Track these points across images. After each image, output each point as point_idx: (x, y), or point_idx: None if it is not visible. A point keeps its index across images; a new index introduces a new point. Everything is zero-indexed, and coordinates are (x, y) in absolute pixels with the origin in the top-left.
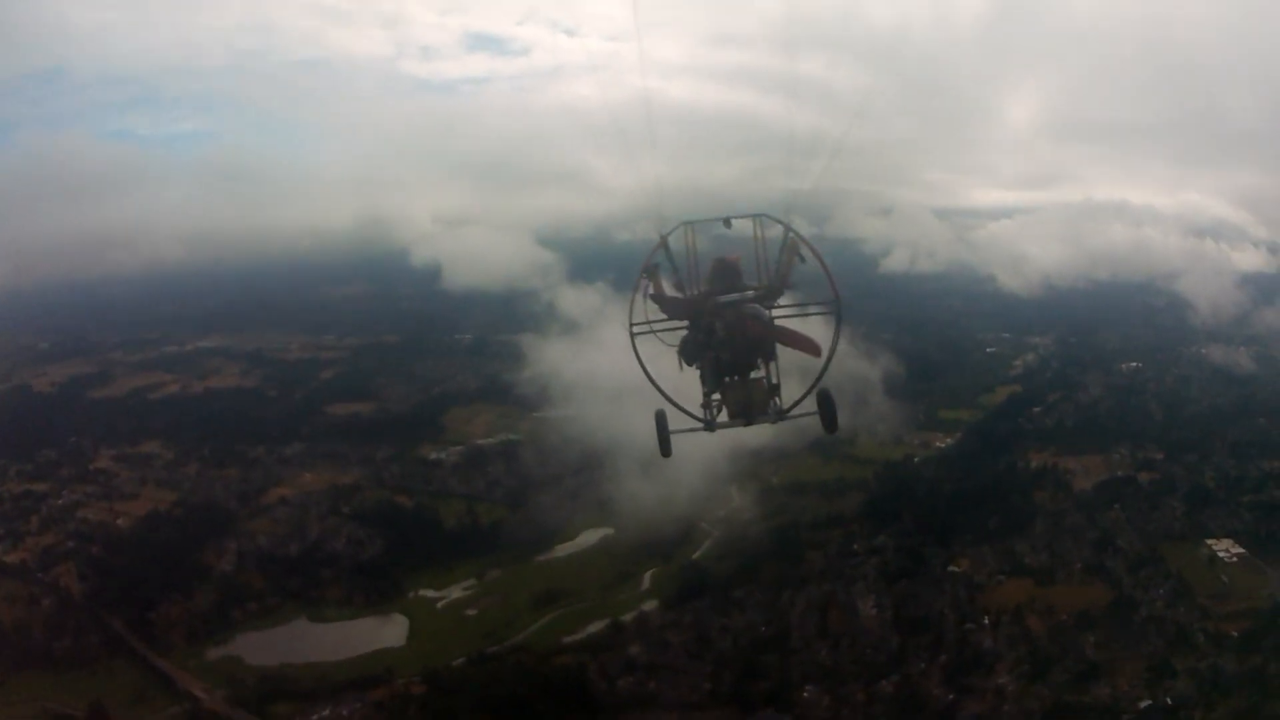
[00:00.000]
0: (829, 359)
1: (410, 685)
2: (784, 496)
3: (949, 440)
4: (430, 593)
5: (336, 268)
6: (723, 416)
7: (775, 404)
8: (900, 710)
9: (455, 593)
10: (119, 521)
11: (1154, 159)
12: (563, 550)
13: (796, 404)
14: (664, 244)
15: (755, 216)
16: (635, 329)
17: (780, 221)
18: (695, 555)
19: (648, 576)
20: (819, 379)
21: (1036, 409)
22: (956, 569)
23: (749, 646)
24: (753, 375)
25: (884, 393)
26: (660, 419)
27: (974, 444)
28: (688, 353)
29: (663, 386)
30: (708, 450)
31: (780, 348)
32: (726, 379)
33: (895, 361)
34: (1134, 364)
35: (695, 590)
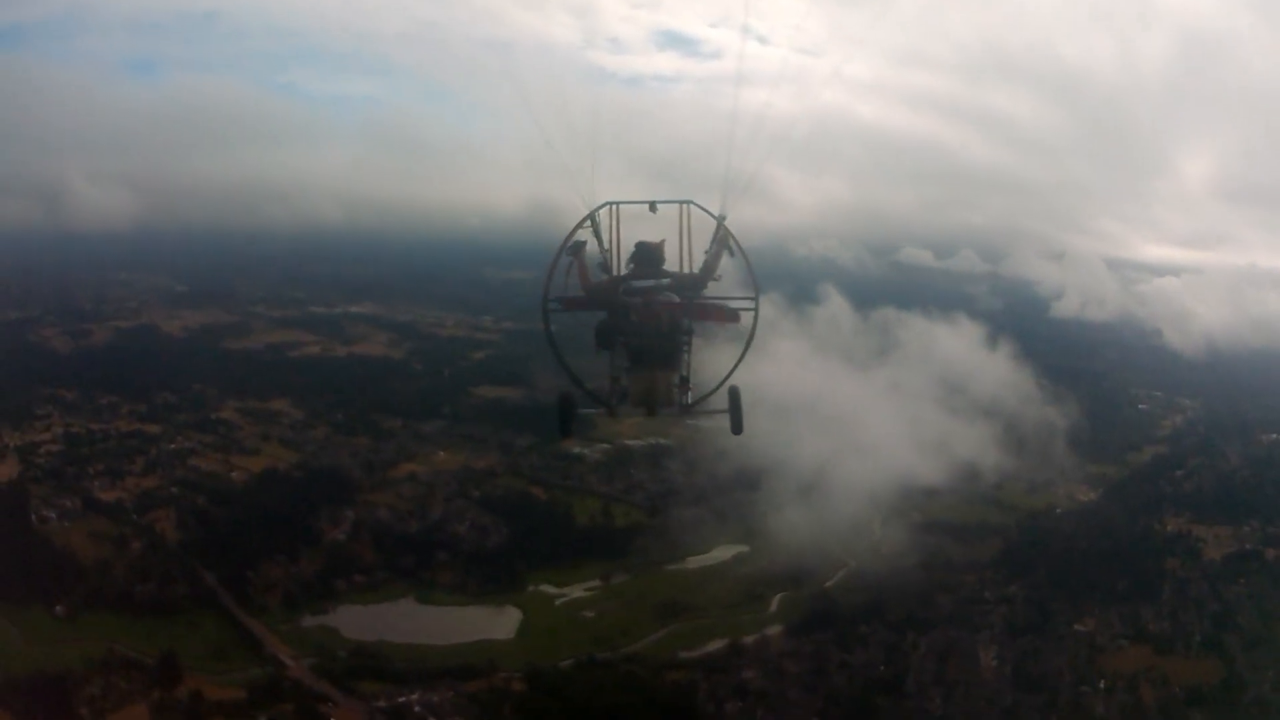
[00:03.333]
0: (742, 354)
1: (511, 681)
2: (925, 535)
3: (1093, 495)
4: (550, 589)
5: (503, 250)
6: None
7: (683, 398)
8: None
9: (576, 592)
10: (232, 474)
11: None
12: (695, 562)
13: (704, 399)
14: (591, 221)
15: (682, 203)
16: (551, 306)
17: (708, 212)
18: (827, 585)
19: (776, 600)
20: (729, 375)
21: (1178, 472)
22: (1081, 628)
23: (864, 685)
24: (666, 366)
25: (1038, 440)
26: (565, 400)
27: (1115, 501)
28: (601, 336)
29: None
30: (862, 480)
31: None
32: (638, 367)
33: (1052, 410)
34: (1274, 436)
35: (821, 620)
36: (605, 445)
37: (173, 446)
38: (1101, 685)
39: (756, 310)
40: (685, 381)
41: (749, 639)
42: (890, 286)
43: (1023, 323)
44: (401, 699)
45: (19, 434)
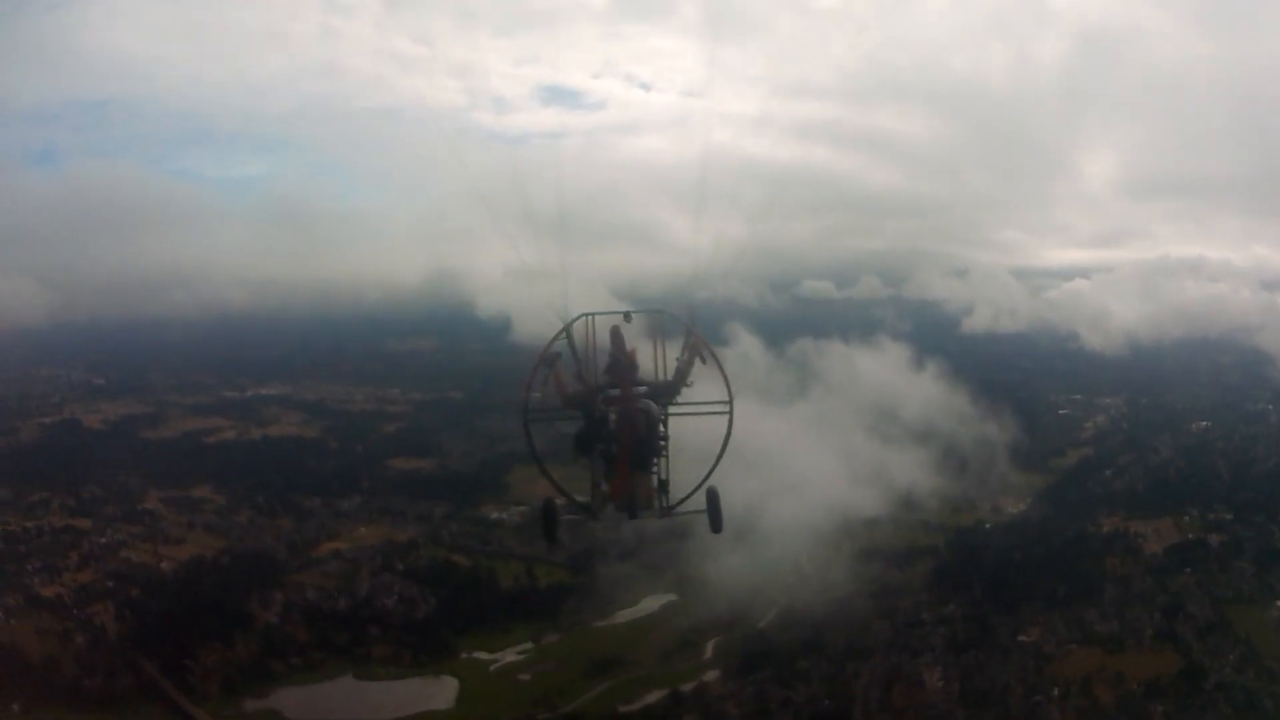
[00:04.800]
0: (719, 457)
1: None
2: (855, 564)
3: (1021, 505)
4: (483, 655)
5: (404, 320)
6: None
7: (663, 500)
8: None
9: (509, 656)
10: (162, 564)
11: (1226, 212)
12: (624, 616)
13: (683, 500)
14: (566, 333)
15: (655, 313)
16: (530, 416)
17: (680, 319)
18: (760, 624)
19: (710, 645)
20: (707, 477)
21: (1107, 472)
22: (1025, 638)
23: None
24: (644, 470)
25: (960, 457)
26: (548, 508)
27: (1045, 509)
28: (580, 443)
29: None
30: (787, 517)
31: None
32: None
33: (973, 425)
34: (1203, 423)
35: (758, 660)
36: (521, 507)
37: (103, 540)
38: (1055, 692)
39: (731, 414)
40: (664, 484)
41: (688, 687)
42: (795, 320)
43: (933, 342)
44: None
45: None
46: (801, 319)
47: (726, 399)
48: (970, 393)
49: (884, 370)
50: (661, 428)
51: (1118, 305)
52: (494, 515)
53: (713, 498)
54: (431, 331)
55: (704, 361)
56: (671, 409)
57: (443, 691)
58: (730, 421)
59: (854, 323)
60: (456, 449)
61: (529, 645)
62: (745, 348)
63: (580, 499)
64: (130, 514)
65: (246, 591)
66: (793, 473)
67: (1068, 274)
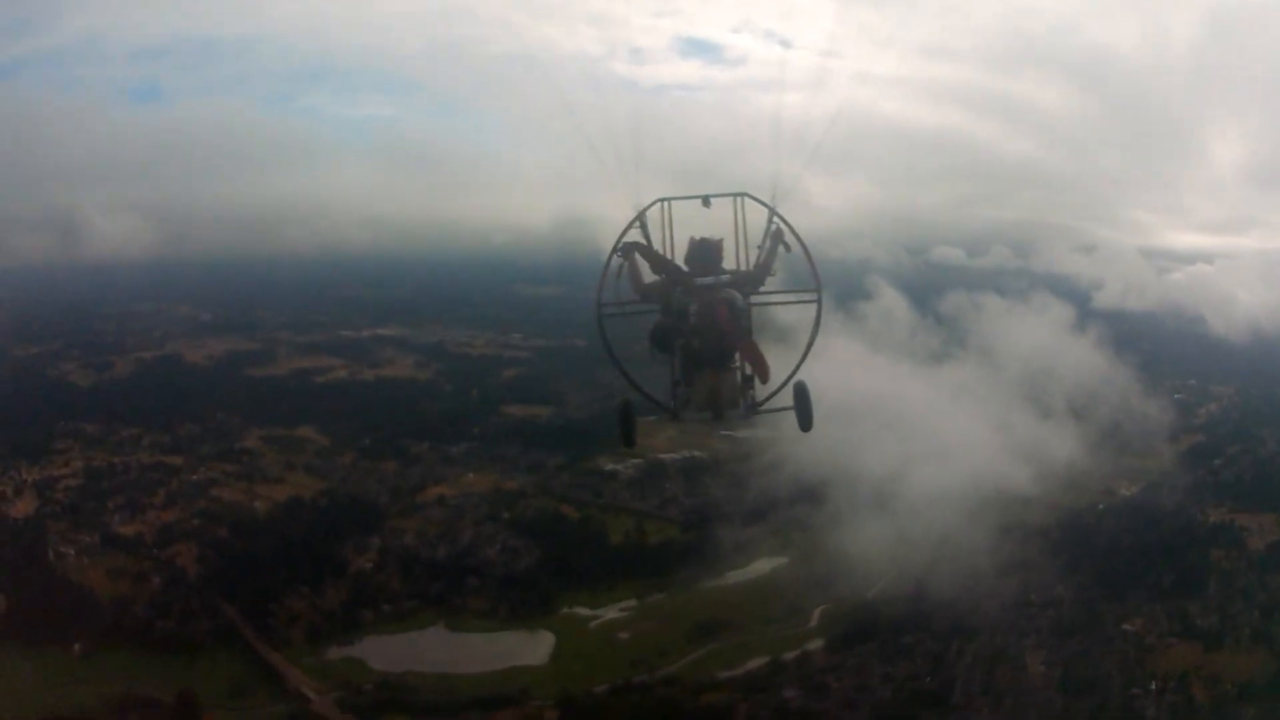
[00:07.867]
0: (807, 349)
1: (543, 709)
2: (967, 540)
3: (1133, 488)
4: (584, 611)
5: (533, 267)
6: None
7: (749, 398)
8: None
9: (611, 613)
10: (255, 504)
11: None
12: (734, 578)
13: (770, 397)
14: (641, 220)
15: (736, 196)
16: (604, 310)
17: (763, 204)
18: (869, 594)
19: (817, 613)
20: (795, 371)
21: (1216, 461)
22: (1129, 627)
23: (909, 698)
24: (729, 366)
25: (1077, 435)
26: (625, 408)
27: (1156, 494)
28: (658, 338)
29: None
30: (899, 488)
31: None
32: (699, 369)
33: (1092, 403)
34: None
35: (864, 632)
36: (637, 460)
37: (195, 478)
38: (1152, 686)
39: (820, 303)
40: (749, 381)
41: (790, 655)
42: (927, 286)
43: (1063, 315)
44: None
45: (38, 469)
46: (933, 285)
47: (815, 287)
48: (1095, 370)
49: (1013, 339)
50: (745, 320)
51: (1239, 292)
52: (608, 467)
53: (800, 393)
54: (560, 279)
55: (788, 249)
56: (756, 299)
57: (537, 647)
58: (819, 311)
59: (984, 291)
60: (575, 398)
61: (632, 603)
62: (887, 303)
63: (660, 399)
64: (226, 452)
65: (342, 536)
66: (909, 444)
67: (1189, 258)
